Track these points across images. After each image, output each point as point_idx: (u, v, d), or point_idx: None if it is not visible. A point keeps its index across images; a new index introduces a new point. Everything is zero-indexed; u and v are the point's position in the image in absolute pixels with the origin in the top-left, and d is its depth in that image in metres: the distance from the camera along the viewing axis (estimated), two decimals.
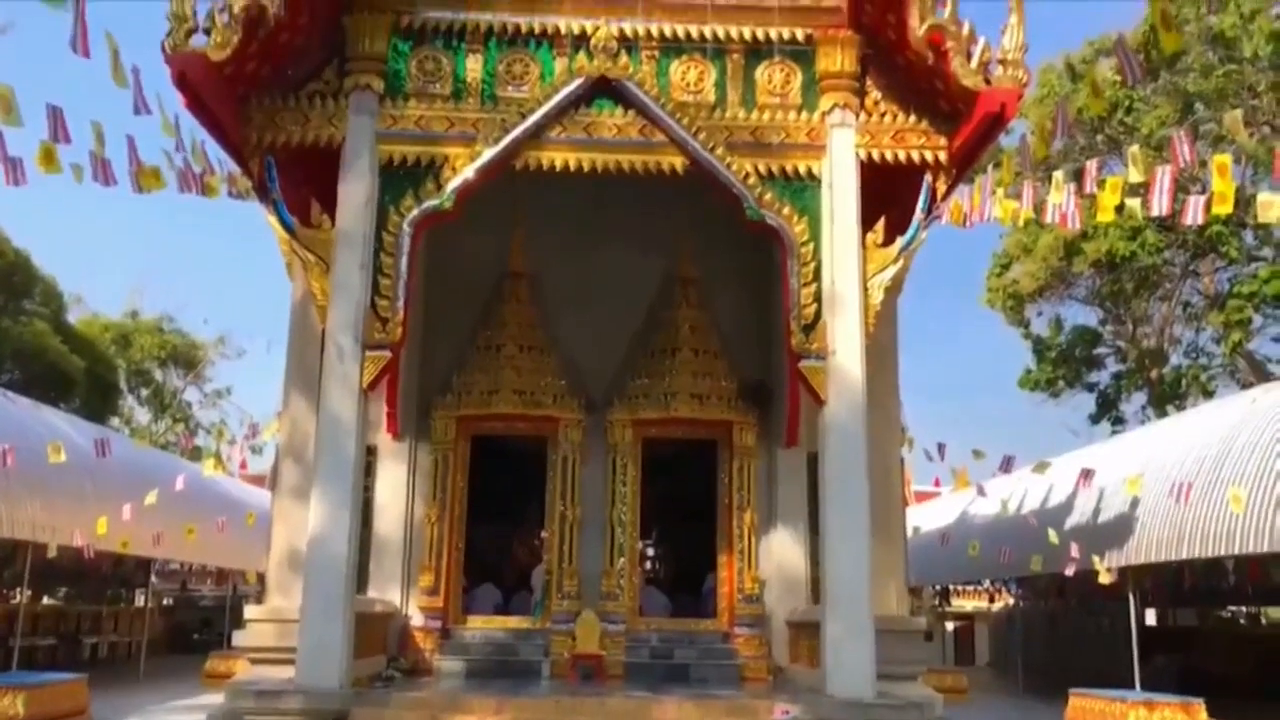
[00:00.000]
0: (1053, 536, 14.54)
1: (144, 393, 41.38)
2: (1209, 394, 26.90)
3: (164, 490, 16.11)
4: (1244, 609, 26.01)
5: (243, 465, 20.85)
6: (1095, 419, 30.65)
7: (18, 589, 20.48)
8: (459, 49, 9.18)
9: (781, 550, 11.07)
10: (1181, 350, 29.47)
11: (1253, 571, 17.69)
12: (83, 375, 29.81)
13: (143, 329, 40.34)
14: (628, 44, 9.03)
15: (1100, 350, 30.60)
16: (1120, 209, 10.51)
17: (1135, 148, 11.36)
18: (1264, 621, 26.51)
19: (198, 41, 7.95)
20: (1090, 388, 30.88)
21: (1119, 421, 29.95)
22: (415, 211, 8.70)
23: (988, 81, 8.25)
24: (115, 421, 36.30)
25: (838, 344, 8.65)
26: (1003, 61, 8.35)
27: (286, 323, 11.14)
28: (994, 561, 18.43)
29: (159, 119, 9.75)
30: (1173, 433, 15.64)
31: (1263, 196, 10.12)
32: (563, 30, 9.10)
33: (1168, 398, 28.25)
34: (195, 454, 32.25)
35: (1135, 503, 13.95)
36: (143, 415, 41.83)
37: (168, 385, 42.16)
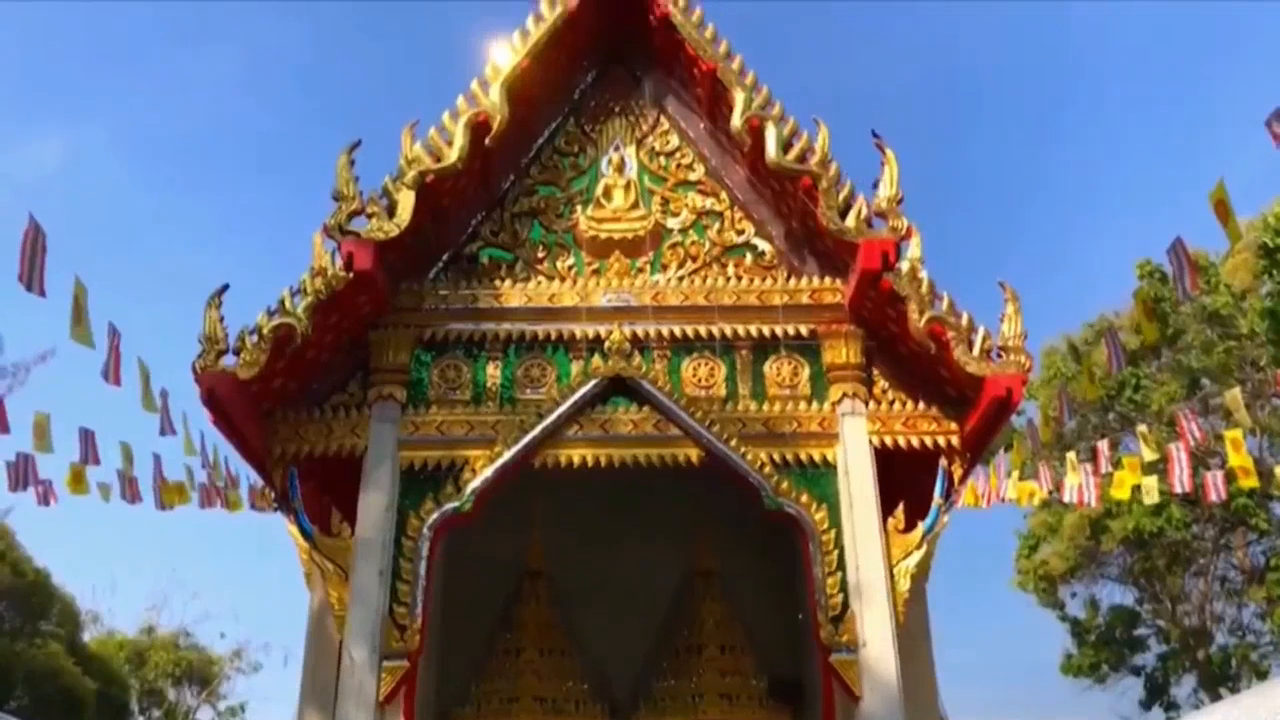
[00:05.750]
0: None
1: (155, 714, 39.96)
2: (1262, 674, 25.67)
3: None
4: None
5: None
6: (1146, 704, 29.12)
7: None
8: (479, 357, 9.55)
9: None
10: (1226, 628, 28.44)
11: None
12: (94, 698, 28.96)
13: (158, 645, 39.50)
14: (640, 345, 9.40)
15: (1141, 631, 29.49)
16: (1138, 488, 10.49)
17: (1143, 427, 11.49)
18: None
19: (227, 362, 8.29)
20: (1136, 671, 29.53)
21: (1172, 707, 28.45)
22: (435, 515, 8.73)
23: (993, 367, 8.47)
24: None
25: (868, 635, 8.41)
26: (1004, 348, 8.61)
27: (303, 634, 10.92)
28: None
29: (182, 437, 9.96)
30: (1231, 717, 14.85)
31: None
32: (578, 335, 9.50)
33: (1219, 679, 26.94)
34: None
35: None
36: None
37: (181, 704, 40.76)
